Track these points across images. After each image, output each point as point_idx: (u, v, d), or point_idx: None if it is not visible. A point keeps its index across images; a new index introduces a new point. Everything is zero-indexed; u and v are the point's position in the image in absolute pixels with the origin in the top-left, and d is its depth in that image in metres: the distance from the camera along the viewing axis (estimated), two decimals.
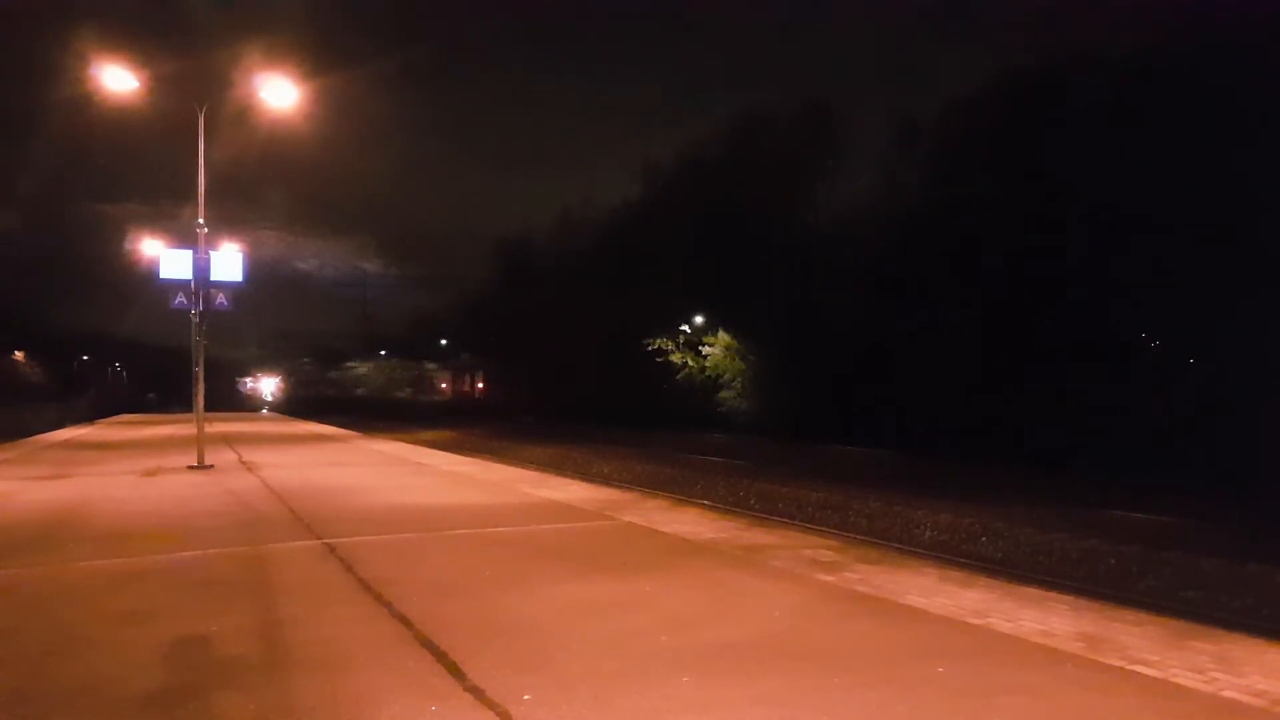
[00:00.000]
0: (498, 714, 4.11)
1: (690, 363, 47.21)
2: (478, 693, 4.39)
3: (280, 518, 10.38)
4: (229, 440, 25.54)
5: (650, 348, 48.26)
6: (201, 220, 16.90)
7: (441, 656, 4.99)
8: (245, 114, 18.28)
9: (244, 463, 17.97)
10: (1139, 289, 26.37)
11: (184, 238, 19.09)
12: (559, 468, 23.32)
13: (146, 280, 24.36)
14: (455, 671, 4.73)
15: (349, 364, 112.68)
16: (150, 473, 15.88)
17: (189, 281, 16.59)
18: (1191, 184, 24.78)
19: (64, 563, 7.79)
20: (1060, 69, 30.64)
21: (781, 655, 5.03)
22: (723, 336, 44.98)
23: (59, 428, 35.35)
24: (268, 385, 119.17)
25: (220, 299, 16.92)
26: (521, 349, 65.53)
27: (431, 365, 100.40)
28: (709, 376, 46.12)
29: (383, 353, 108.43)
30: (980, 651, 5.17)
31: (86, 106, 18.74)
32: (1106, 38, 30.82)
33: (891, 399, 32.54)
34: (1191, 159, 24.94)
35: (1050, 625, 5.72)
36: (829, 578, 7.13)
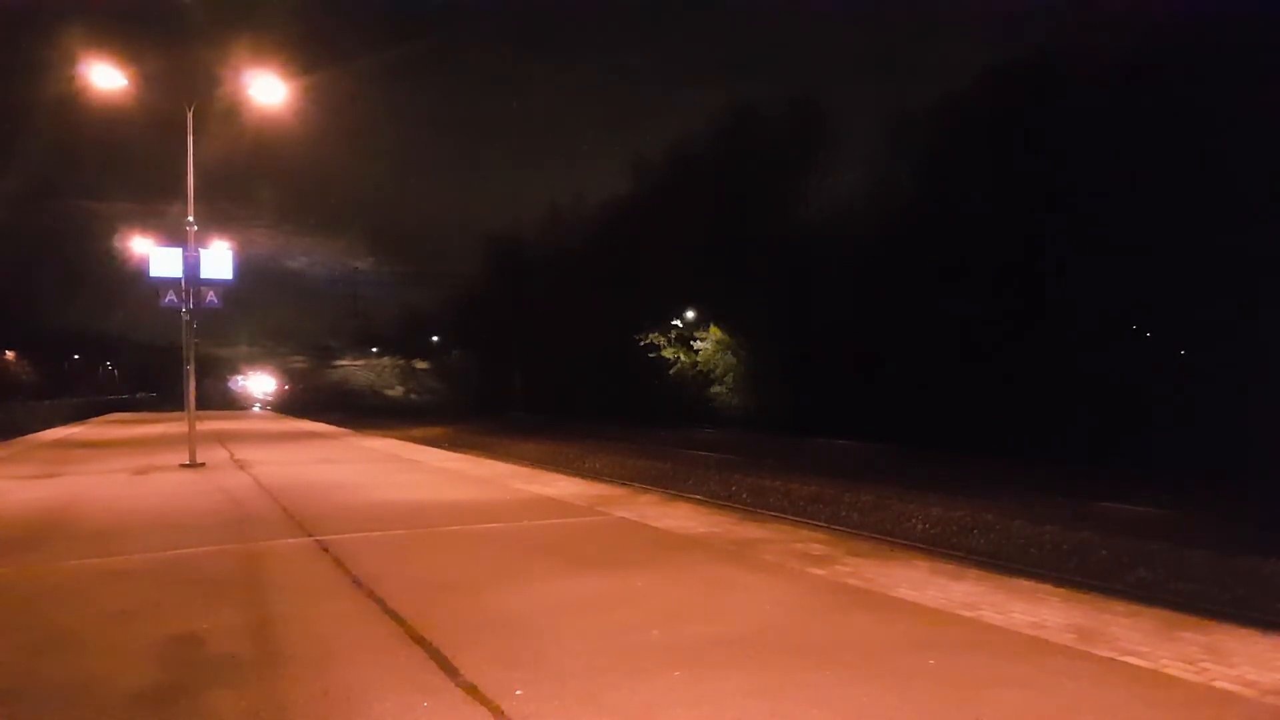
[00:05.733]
0: (490, 710, 4.11)
1: (682, 358, 47.27)
2: (470, 689, 4.39)
3: (272, 515, 10.36)
4: (221, 438, 25.48)
5: (642, 343, 48.29)
6: (191, 218, 16.85)
7: (434, 653, 4.99)
8: (234, 111, 18.22)
9: (236, 460, 17.93)
10: (1131, 281, 26.44)
11: (174, 235, 19.04)
12: (551, 463, 23.32)
13: (136, 278, 24.26)
14: (447, 667, 4.73)
15: (340, 362, 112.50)
16: (142, 471, 15.84)
17: (179, 279, 16.53)
18: (1186, 177, 24.87)
19: (55, 561, 7.77)
20: (1052, 63, 30.70)
21: (773, 649, 5.04)
22: (714, 331, 45.05)
23: (50, 427, 35.23)
24: (259, 383, 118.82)
25: (211, 297, 16.85)
26: (513, 345, 65.51)
27: (422, 364, 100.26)
28: (701, 371, 46.19)
29: (374, 349, 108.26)
30: (971, 643, 5.18)
31: (75, 104, 18.66)
32: (1098, 33, 30.87)
33: (883, 392, 32.60)
34: (1184, 153, 25.03)
35: (1041, 617, 5.74)
36: (820, 571, 7.14)
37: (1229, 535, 12.80)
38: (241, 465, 16.90)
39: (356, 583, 6.78)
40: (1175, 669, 4.68)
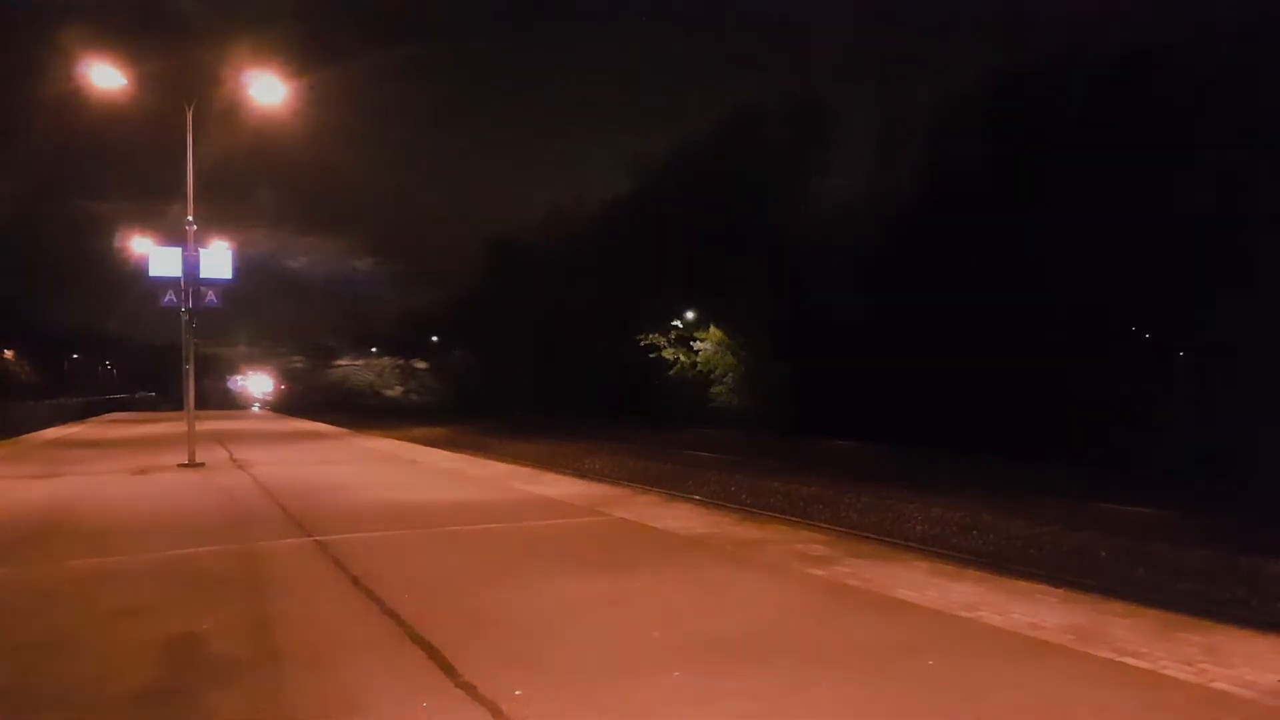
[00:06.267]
0: (489, 710, 4.11)
1: (682, 358, 47.25)
2: (469, 689, 4.39)
3: (271, 515, 10.36)
4: (220, 438, 25.47)
5: (642, 343, 48.28)
6: (190, 218, 16.84)
7: (433, 653, 4.99)
8: (234, 111, 18.22)
9: (235, 460, 17.92)
10: (1130, 282, 26.45)
11: (173, 235, 19.01)
12: (550, 463, 23.30)
13: (136, 278, 24.28)
14: (446, 668, 4.73)
15: (340, 362, 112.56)
16: (141, 471, 15.83)
17: (179, 279, 16.53)
18: (1187, 178, 24.90)
19: (54, 561, 7.76)
20: (1052, 64, 30.73)
21: (772, 649, 5.04)
22: (714, 332, 45.03)
23: (49, 426, 35.20)
24: (258, 383, 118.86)
25: (210, 296, 16.85)
26: (513, 345, 65.50)
27: (422, 364, 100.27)
28: (700, 372, 46.17)
29: (374, 349, 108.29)
30: (970, 644, 5.18)
31: (75, 104, 18.65)
32: (1098, 34, 30.93)
33: (883, 393, 32.59)
34: (1184, 153, 25.06)
35: (1040, 618, 5.74)
36: (820, 572, 7.14)
37: (1229, 535, 12.80)
38: (241, 465, 16.90)
39: (356, 582, 6.78)
40: (1174, 670, 4.68)
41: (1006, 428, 26.52)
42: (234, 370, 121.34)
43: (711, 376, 45.60)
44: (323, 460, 18.52)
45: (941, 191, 32.92)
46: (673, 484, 19.96)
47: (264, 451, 20.63)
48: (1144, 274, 25.93)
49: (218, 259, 17.17)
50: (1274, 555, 11.26)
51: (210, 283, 16.84)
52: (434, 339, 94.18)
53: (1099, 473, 20.10)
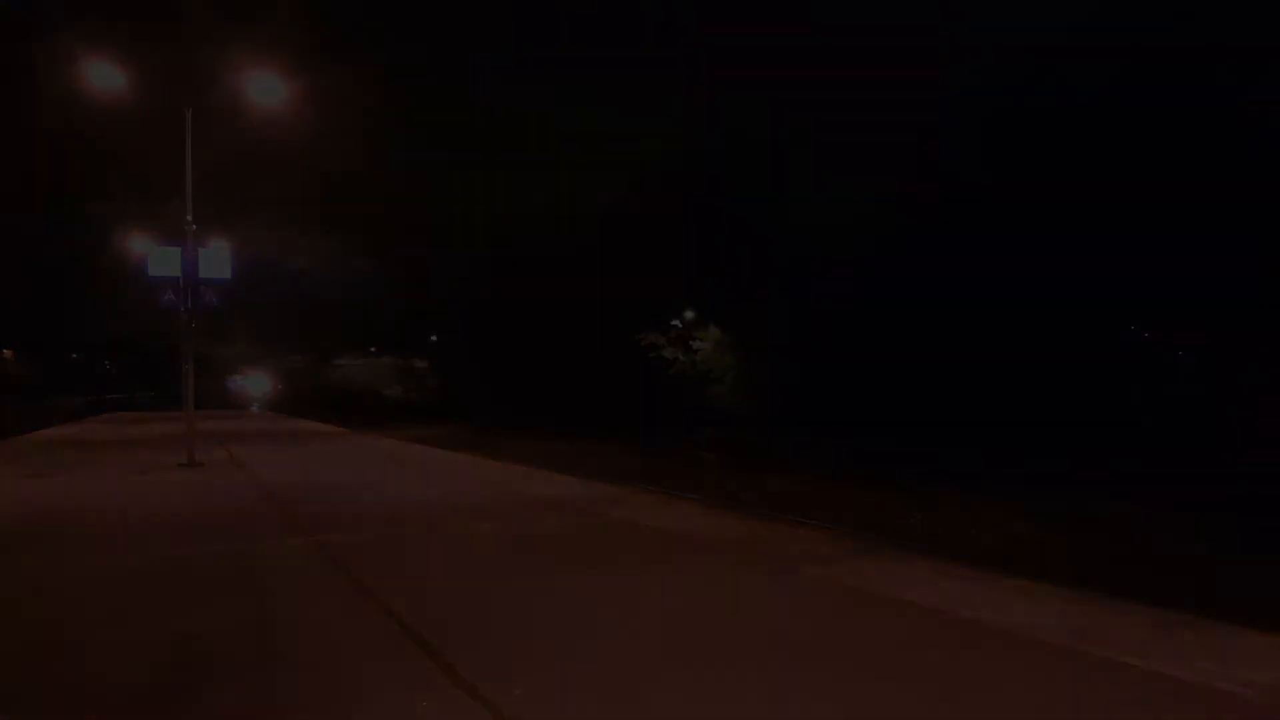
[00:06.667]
0: (488, 709, 4.11)
1: (681, 358, 47.28)
2: (468, 688, 4.39)
3: (270, 515, 10.35)
4: (219, 437, 25.45)
5: (642, 343, 48.31)
6: (190, 217, 16.82)
7: (432, 652, 4.99)
8: (234, 110, 18.19)
9: (234, 460, 17.91)
10: (1129, 281, 26.46)
11: (172, 235, 18.99)
12: (550, 463, 23.23)
13: (136, 277, 24.28)
14: (446, 667, 4.73)
15: (339, 361, 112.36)
16: (140, 470, 15.81)
17: (178, 278, 16.51)
18: (1189, 175, 24.92)
19: (53, 560, 7.76)
20: (1055, 65, 30.74)
21: (772, 648, 5.04)
22: (713, 331, 45.07)
23: (48, 425, 35.18)
24: (257, 382, 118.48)
25: (209, 296, 16.84)
26: (512, 345, 65.49)
27: (422, 363, 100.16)
28: (700, 371, 46.20)
29: (374, 349, 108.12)
30: (970, 643, 5.18)
31: (75, 103, 18.64)
32: (1094, 34, 30.91)
33: (883, 391, 32.61)
34: (1186, 151, 25.07)
35: (1040, 616, 5.73)
36: (820, 571, 7.14)
37: (1228, 534, 12.81)
38: (240, 465, 16.89)
39: (355, 582, 6.78)
40: (1174, 669, 4.68)
41: (1008, 426, 26.52)
42: (233, 370, 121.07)
43: (711, 376, 45.62)
44: (322, 460, 18.52)
45: (940, 187, 32.93)
46: (672, 483, 19.91)
47: (263, 451, 20.61)
48: (1146, 272, 25.93)
49: (217, 258, 17.15)
50: (1274, 555, 11.27)
51: (209, 282, 16.82)
52: (434, 339, 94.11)
53: (1100, 471, 20.09)
